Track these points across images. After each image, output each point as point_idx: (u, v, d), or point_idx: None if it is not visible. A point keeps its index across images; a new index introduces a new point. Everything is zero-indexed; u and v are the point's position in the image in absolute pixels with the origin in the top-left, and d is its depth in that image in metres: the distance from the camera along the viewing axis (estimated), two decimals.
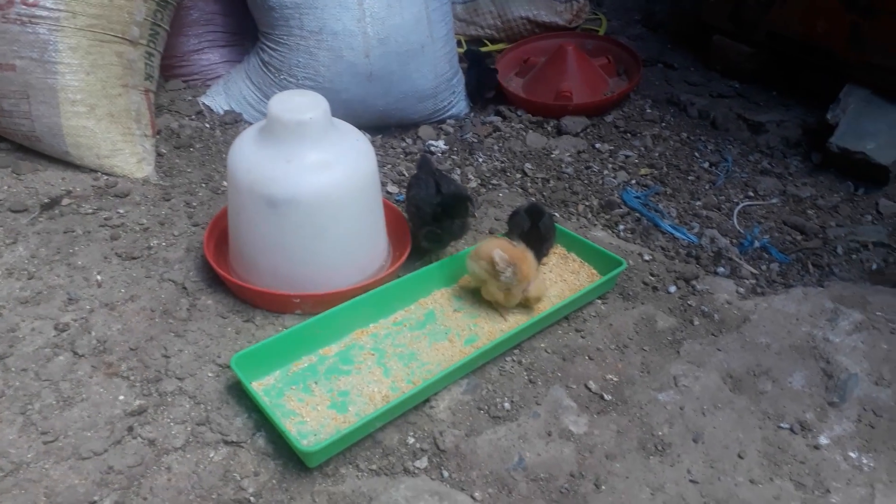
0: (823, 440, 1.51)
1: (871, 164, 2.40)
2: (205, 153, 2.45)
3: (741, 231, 2.23)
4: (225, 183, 2.27)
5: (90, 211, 2.06)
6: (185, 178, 2.29)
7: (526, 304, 1.77)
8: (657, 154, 2.64)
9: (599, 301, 1.86)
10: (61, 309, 1.71)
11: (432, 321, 1.77)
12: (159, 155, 2.38)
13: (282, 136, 1.62)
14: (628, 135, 2.77)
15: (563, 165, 2.54)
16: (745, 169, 2.57)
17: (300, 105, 1.63)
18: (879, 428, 1.53)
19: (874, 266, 2.08)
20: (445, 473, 1.41)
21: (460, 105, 2.84)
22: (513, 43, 3.31)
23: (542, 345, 1.72)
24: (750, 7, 2.97)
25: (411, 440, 1.47)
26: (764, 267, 2.07)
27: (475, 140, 2.69)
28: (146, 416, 1.47)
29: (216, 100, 2.69)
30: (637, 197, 2.35)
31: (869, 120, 2.49)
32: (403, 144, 2.67)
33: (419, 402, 1.53)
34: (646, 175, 2.52)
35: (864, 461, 1.47)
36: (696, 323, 1.81)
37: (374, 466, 1.42)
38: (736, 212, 2.32)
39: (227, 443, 1.43)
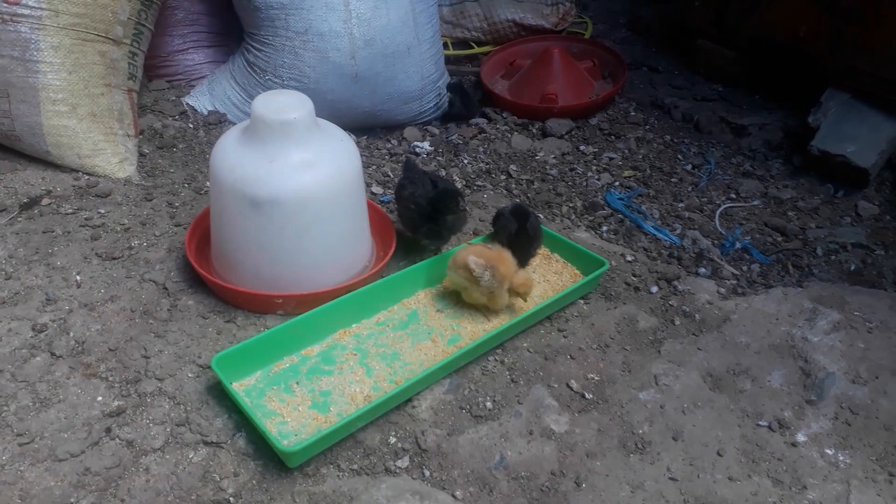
0: (801, 437, 1.52)
1: (851, 166, 2.43)
2: (188, 153, 2.43)
3: (723, 232, 2.24)
4: (208, 183, 2.26)
5: (70, 211, 2.04)
6: (167, 178, 2.28)
7: (519, 295, 1.76)
8: (641, 156, 2.66)
9: (582, 301, 1.87)
10: (39, 309, 1.70)
11: (415, 321, 1.77)
12: (142, 155, 2.37)
13: (265, 135, 1.62)
14: (612, 137, 2.79)
15: (547, 167, 2.55)
16: (727, 171, 2.59)
17: (284, 105, 1.63)
18: (856, 425, 1.55)
19: (853, 267, 2.11)
20: (427, 473, 1.41)
21: (446, 107, 2.84)
22: (499, 45, 3.32)
23: (525, 344, 1.72)
24: (733, 12, 3.00)
25: (393, 440, 1.47)
26: (745, 268, 2.09)
27: (460, 142, 2.70)
28: (125, 416, 1.46)
29: (200, 100, 2.68)
30: (620, 198, 2.37)
31: (849, 123, 2.52)
32: (389, 145, 2.67)
33: (401, 402, 1.53)
34: (629, 177, 2.53)
35: (841, 458, 1.48)
36: (678, 323, 1.82)
37: (355, 466, 1.41)
38: (718, 213, 2.34)
39: (206, 443, 1.42)
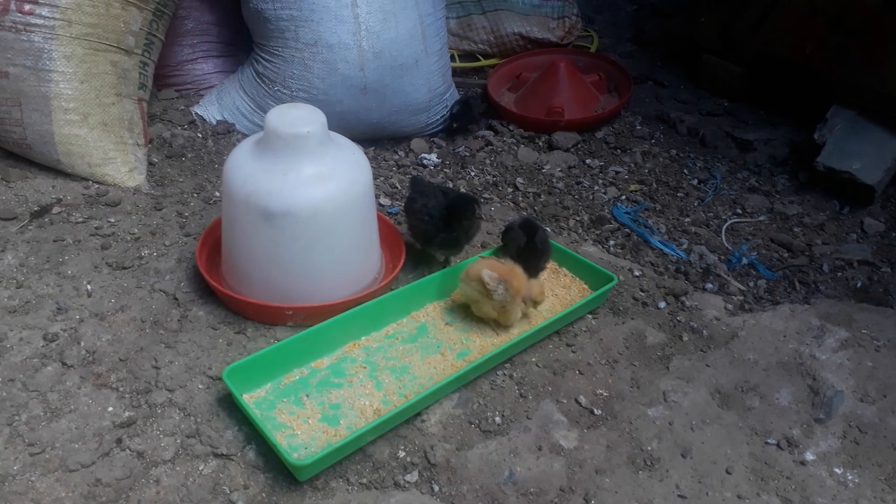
0: (810, 456, 1.52)
1: (856, 183, 2.45)
2: (197, 163, 2.45)
3: (729, 248, 2.26)
4: (217, 193, 2.27)
5: (81, 220, 2.05)
6: (176, 187, 2.29)
7: (534, 304, 1.77)
8: (647, 170, 2.68)
9: (590, 316, 1.87)
10: (50, 318, 1.70)
11: (424, 335, 1.78)
12: (151, 164, 2.38)
13: (279, 148, 1.63)
14: (618, 151, 2.80)
15: (554, 180, 2.57)
16: (733, 186, 2.61)
17: (298, 118, 1.64)
18: (864, 444, 1.55)
19: (859, 284, 2.11)
20: (436, 487, 1.41)
21: (447, 120, 2.84)
22: (505, 58, 3.35)
23: (534, 359, 1.73)
24: (740, 27, 3.03)
25: (402, 454, 1.47)
26: (751, 283, 2.09)
27: (467, 154, 2.71)
28: (135, 427, 1.46)
29: (209, 110, 2.69)
30: (627, 213, 2.38)
31: (855, 140, 2.54)
32: (396, 157, 2.68)
33: (411, 416, 1.53)
34: (635, 191, 2.55)
35: (850, 477, 1.48)
36: (685, 339, 1.83)
37: (364, 480, 1.41)
38: (724, 228, 2.35)
39: (216, 455, 1.43)
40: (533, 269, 1.84)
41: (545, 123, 2.86)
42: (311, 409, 1.53)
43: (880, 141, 2.54)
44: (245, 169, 1.66)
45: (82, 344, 1.63)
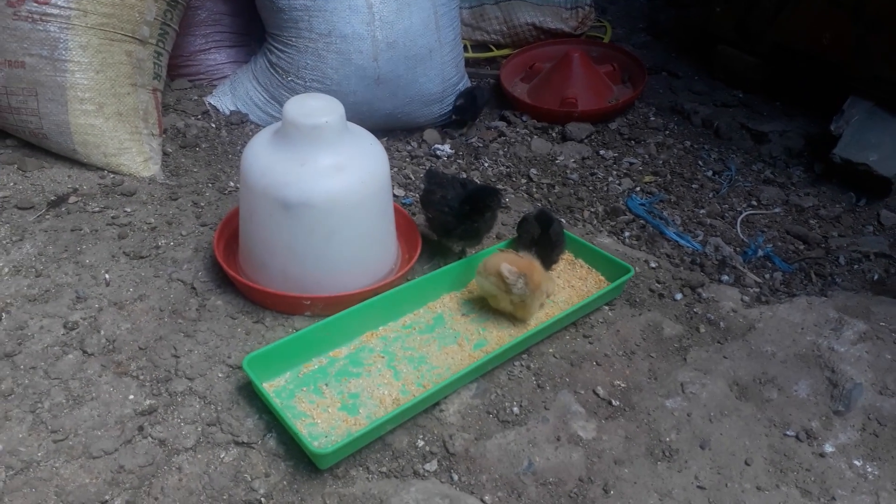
0: (829, 448, 1.52)
1: (873, 175, 2.43)
2: (210, 153, 2.45)
3: (745, 240, 2.25)
4: (232, 183, 2.27)
5: (97, 209, 2.06)
6: (191, 177, 2.29)
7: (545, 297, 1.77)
8: (661, 162, 2.66)
9: (607, 307, 1.87)
10: (70, 307, 1.71)
11: (441, 325, 1.78)
12: (165, 154, 2.38)
13: (296, 139, 1.63)
14: (632, 142, 2.79)
15: (567, 171, 2.56)
16: (748, 178, 2.59)
17: (316, 109, 1.64)
18: (884, 437, 1.55)
19: (876, 276, 2.10)
20: (455, 477, 1.42)
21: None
22: (518, 48, 3.33)
23: (551, 350, 1.73)
24: (755, 18, 3.00)
25: (421, 443, 1.48)
26: (767, 276, 2.09)
27: (480, 145, 2.70)
28: (156, 415, 1.47)
29: (222, 100, 2.69)
30: (642, 204, 2.37)
31: (872, 132, 2.52)
32: (409, 148, 2.68)
33: (429, 406, 1.54)
34: (650, 182, 2.54)
35: (869, 469, 1.48)
36: (703, 330, 1.82)
37: (384, 469, 1.42)
38: (739, 220, 2.34)
39: (237, 443, 1.44)
40: (547, 260, 1.84)
41: (559, 114, 2.85)
42: (331, 398, 1.54)
43: None
44: (263, 159, 1.66)
45: (102, 332, 1.64)
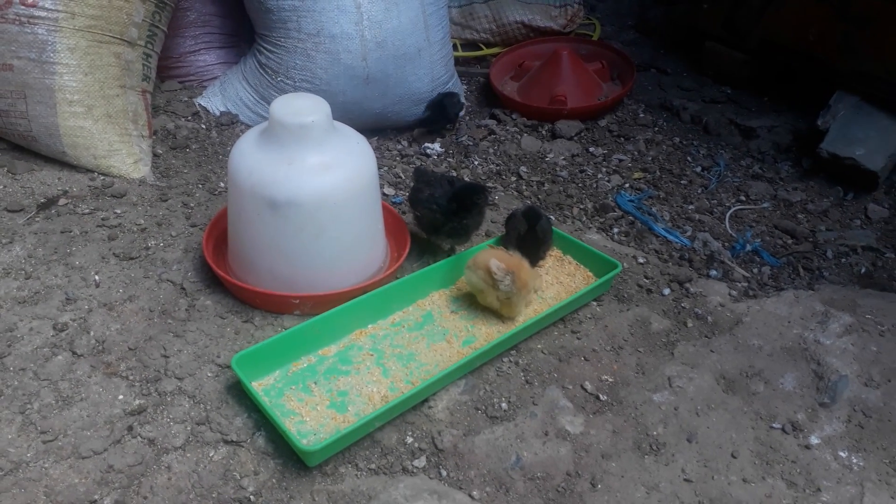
0: (814, 440, 1.54)
1: (860, 169, 2.44)
2: (201, 154, 2.45)
3: (733, 235, 2.26)
4: (222, 184, 2.27)
5: (87, 211, 2.06)
6: (181, 178, 2.30)
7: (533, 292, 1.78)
8: (650, 158, 2.68)
9: (595, 303, 1.88)
10: (59, 309, 1.71)
11: (430, 322, 1.79)
12: (155, 156, 2.38)
13: (283, 138, 1.64)
14: (622, 139, 2.80)
15: (557, 169, 2.57)
16: (736, 173, 2.61)
17: (302, 108, 1.65)
18: (869, 428, 1.56)
19: (863, 270, 2.12)
20: (444, 472, 1.43)
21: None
22: (507, 47, 3.34)
23: (539, 346, 1.74)
24: (743, 15, 3.01)
25: (410, 440, 1.49)
26: (755, 270, 2.10)
27: (470, 143, 2.71)
28: (146, 415, 1.48)
29: (212, 101, 2.70)
30: (631, 200, 2.38)
31: (858, 126, 2.53)
32: (399, 147, 2.68)
33: (418, 403, 1.55)
34: (639, 179, 2.55)
35: (854, 460, 1.49)
36: (690, 325, 1.84)
37: (373, 466, 1.43)
38: (728, 216, 2.35)
39: (226, 442, 1.44)
40: (534, 257, 1.84)
41: (548, 112, 2.86)
42: (320, 396, 1.55)
43: (884, 127, 2.53)
44: (250, 158, 1.66)
45: (91, 333, 1.64)
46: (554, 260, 2.01)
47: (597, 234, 2.21)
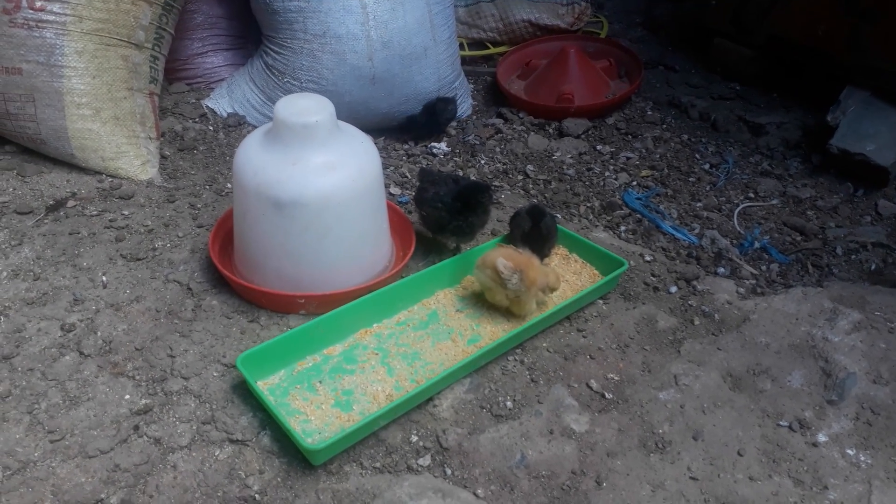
0: (822, 438, 1.52)
1: (870, 165, 2.42)
2: (208, 155, 2.47)
3: (741, 232, 2.24)
4: (229, 185, 2.29)
5: (95, 213, 2.08)
6: (189, 180, 2.31)
7: (551, 290, 1.75)
8: (658, 156, 2.66)
9: (601, 301, 1.87)
10: (67, 309, 1.73)
11: (435, 321, 1.79)
12: (163, 157, 2.40)
13: (288, 138, 1.64)
14: (629, 137, 2.79)
15: (564, 167, 2.56)
16: (745, 170, 2.59)
17: (306, 108, 1.65)
18: (877, 426, 1.55)
19: (873, 266, 2.10)
20: (448, 471, 1.43)
21: (462, 107, 2.86)
22: (514, 46, 3.33)
23: (544, 344, 1.73)
24: (751, 11, 2.99)
25: (414, 438, 1.49)
26: (764, 267, 2.08)
27: (477, 142, 2.71)
28: (152, 415, 1.49)
29: (220, 102, 2.71)
30: (638, 198, 2.37)
31: (868, 122, 2.50)
32: (405, 146, 2.68)
33: (422, 401, 1.55)
34: (647, 176, 2.53)
35: (862, 458, 1.48)
36: (697, 323, 1.82)
37: (377, 464, 1.43)
38: (736, 213, 2.33)
39: (232, 441, 1.45)
40: (537, 254, 1.83)
41: (555, 110, 2.85)
42: (325, 395, 1.55)
43: (894, 122, 2.50)
44: (255, 159, 1.67)
45: (99, 334, 1.66)
46: (560, 258, 2.00)
47: (604, 233, 2.20)
